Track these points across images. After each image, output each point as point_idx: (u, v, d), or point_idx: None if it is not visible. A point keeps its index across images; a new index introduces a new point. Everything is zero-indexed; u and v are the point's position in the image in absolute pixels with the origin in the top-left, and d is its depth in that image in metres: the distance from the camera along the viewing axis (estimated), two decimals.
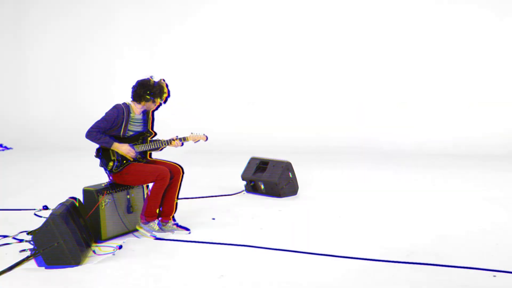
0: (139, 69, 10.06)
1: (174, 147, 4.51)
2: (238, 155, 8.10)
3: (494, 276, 3.49)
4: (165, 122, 9.55)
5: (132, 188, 4.48)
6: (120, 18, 10.62)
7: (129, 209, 4.43)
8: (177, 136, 4.53)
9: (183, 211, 5.12)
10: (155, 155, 4.68)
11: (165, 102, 4.46)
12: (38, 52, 11.08)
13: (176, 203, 4.50)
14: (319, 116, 9.95)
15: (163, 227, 4.42)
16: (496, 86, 9.66)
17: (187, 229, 4.46)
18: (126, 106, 4.32)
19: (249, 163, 6.09)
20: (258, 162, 6.00)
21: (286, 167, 5.78)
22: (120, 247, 4.04)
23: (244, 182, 6.05)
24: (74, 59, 10.94)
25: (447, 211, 5.21)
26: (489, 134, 9.45)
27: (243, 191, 6.01)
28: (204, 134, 4.66)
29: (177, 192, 4.47)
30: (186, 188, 6.09)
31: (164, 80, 4.46)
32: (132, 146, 4.33)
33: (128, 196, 4.44)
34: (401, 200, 5.66)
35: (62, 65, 10.98)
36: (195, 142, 4.67)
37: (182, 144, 4.50)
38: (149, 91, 4.31)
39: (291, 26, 10.16)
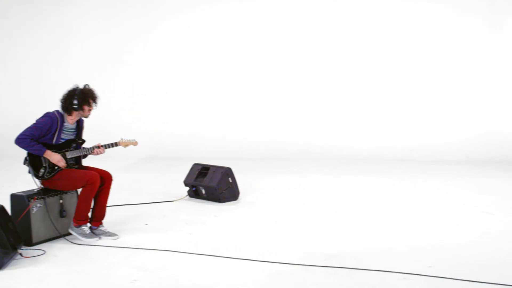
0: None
1: (95, 155, 4.56)
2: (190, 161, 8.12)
3: (404, 278, 3.58)
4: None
5: (66, 193, 4.52)
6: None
7: (62, 213, 4.48)
8: (107, 145, 4.57)
9: (120, 217, 5.16)
10: (87, 161, 4.71)
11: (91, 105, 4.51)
12: None
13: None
14: (278, 121, 9.98)
15: (93, 231, 4.47)
16: (457, 93, 9.75)
17: (115, 235, 4.49)
18: (60, 114, 4.38)
19: (191, 169, 6.14)
20: (199, 167, 6.05)
21: (225, 173, 5.83)
22: (44, 252, 4.07)
23: (187, 188, 6.08)
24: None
25: (379, 217, 5.29)
26: (445, 140, 9.57)
27: (185, 196, 6.03)
28: (134, 140, 4.71)
29: (107, 198, 4.52)
30: (129, 194, 6.18)
31: (87, 85, 4.50)
32: (62, 155, 4.37)
33: (61, 201, 4.48)
34: (341, 205, 5.74)
35: None
36: (125, 147, 4.72)
37: (111, 147, 4.57)
38: (74, 100, 4.36)
39: (253, 36, 10.19)
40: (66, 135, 4.43)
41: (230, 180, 5.85)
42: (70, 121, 4.42)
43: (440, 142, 9.58)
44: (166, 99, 10.25)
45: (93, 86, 4.58)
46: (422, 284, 3.49)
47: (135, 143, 4.70)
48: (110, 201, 5.48)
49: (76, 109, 4.38)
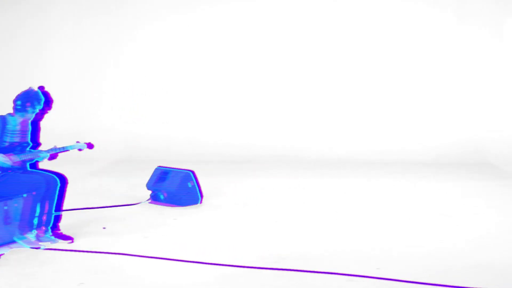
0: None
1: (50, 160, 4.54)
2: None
3: (349, 280, 3.63)
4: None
5: (11, 199, 4.45)
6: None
7: (7, 220, 4.41)
8: (61, 148, 4.56)
9: (79, 220, 5.15)
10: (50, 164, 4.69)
11: (44, 110, 4.49)
12: None
13: (58, 213, 4.50)
14: (250, 124, 10.00)
15: (40, 238, 4.43)
16: (431, 95, 9.85)
17: (70, 238, 4.48)
18: (3, 117, 4.34)
19: (153, 172, 6.14)
20: (161, 171, 6.06)
21: (185, 176, 5.86)
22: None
23: (150, 192, 6.09)
24: None
25: (334, 220, 5.34)
26: (416, 143, 9.67)
27: (147, 200, 6.03)
28: (85, 143, 4.72)
29: (55, 203, 4.44)
30: (93, 198, 6.17)
31: (42, 87, 4.48)
32: (8, 156, 4.32)
33: (5, 207, 4.39)
34: (301, 208, 5.79)
35: None
36: (79, 151, 4.72)
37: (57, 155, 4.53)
38: (17, 101, 4.36)
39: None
40: (11, 138, 4.36)
41: (189, 185, 5.87)
42: (13, 122, 4.37)
43: (412, 145, 9.67)
44: (144, 99, 10.22)
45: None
46: (367, 285, 3.54)
47: (89, 147, 4.70)
48: (71, 204, 5.52)
49: (19, 110, 4.36)
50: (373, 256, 4.12)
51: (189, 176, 5.91)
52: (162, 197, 5.90)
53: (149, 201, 6.01)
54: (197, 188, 5.95)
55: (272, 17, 10.05)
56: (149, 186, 6.04)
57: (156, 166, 6.31)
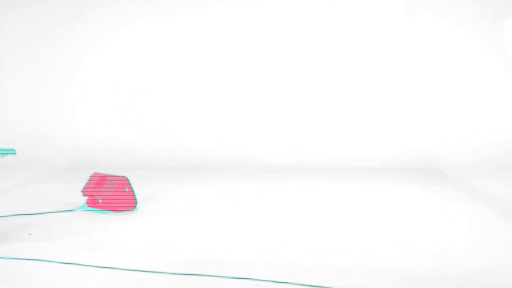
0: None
1: None
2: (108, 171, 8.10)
3: (258, 285, 3.65)
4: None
5: None
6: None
7: None
8: None
9: (6, 227, 5.11)
10: None
11: None
12: None
13: None
14: (198, 129, 10.00)
15: None
16: (383, 99, 9.94)
17: None
18: None
19: (90, 178, 6.11)
20: (97, 177, 6.04)
21: (121, 182, 5.84)
22: None
23: (86, 198, 6.06)
24: None
25: (258, 225, 5.39)
26: (367, 149, 9.76)
27: (83, 206, 6.00)
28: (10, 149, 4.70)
29: None
30: (30, 204, 6.13)
31: None
32: None
33: None
34: (229, 214, 5.82)
35: None
36: (2, 157, 4.69)
37: None
38: None
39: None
40: None
41: (126, 190, 5.86)
42: None
43: (363, 151, 9.75)
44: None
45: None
46: None
47: (12, 153, 4.68)
48: (5, 211, 5.49)
49: None
50: (286, 262, 4.15)
51: (126, 181, 5.90)
52: (99, 202, 5.88)
53: (85, 207, 5.99)
54: (134, 194, 5.95)
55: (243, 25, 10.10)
56: (85, 191, 6.02)
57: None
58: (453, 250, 4.46)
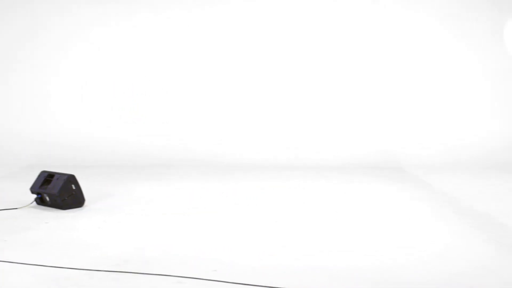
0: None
1: None
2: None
3: (178, 282, 3.68)
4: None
5: None
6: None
7: None
8: None
9: None
10: None
11: None
12: None
13: None
14: (161, 127, 10.03)
15: None
16: (344, 97, 10.04)
17: None
18: None
19: (38, 176, 6.13)
20: (46, 175, 6.06)
21: (68, 180, 5.86)
22: None
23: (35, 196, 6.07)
24: None
25: (195, 222, 5.42)
26: (330, 146, 9.83)
27: (32, 203, 6.01)
28: None
29: None
30: None
31: None
32: None
33: None
34: (177, 212, 5.87)
35: None
36: None
37: None
38: None
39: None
40: None
41: (74, 187, 5.88)
42: None
43: (326, 150, 9.81)
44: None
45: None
46: (195, 287, 3.60)
47: None
48: None
49: None
50: (211, 259, 4.20)
51: (73, 179, 5.92)
52: (47, 200, 5.90)
53: (33, 204, 6.00)
54: (80, 191, 5.97)
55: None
56: (33, 189, 6.03)
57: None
58: (386, 246, 4.54)
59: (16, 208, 5.88)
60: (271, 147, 9.86)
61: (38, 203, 6.02)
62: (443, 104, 10.05)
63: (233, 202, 6.37)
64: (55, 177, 5.95)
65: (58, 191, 5.78)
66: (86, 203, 6.07)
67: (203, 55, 10.10)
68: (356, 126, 10.01)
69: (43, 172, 6.15)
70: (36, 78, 10.17)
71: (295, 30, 10.03)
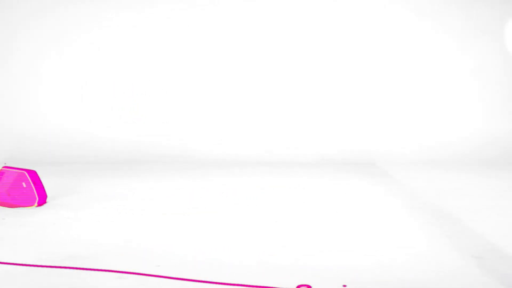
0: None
1: None
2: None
3: (119, 277, 3.72)
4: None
5: None
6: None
7: None
8: None
9: None
10: None
11: None
12: None
13: None
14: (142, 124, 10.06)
15: None
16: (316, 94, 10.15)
17: None
18: None
19: None
20: None
21: (19, 177, 5.83)
22: None
23: None
24: None
25: (149, 218, 5.45)
26: (301, 142, 9.92)
27: None
28: None
29: None
30: None
31: None
32: None
33: None
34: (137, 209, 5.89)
35: None
36: None
37: None
38: None
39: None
40: None
41: (24, 185, 5.85)
42: None
43: (296, 144, 9.91)
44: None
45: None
46: (136, 283, 3.63)
47: None
48: None
49: None
50: (159, 254, 4.25)
51: (24, 176, 5.88)
52: None
53: None
54: (33, 189, 5.93)
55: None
56: None
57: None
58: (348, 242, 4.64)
59: None
60: (244, 144, 9.94)
61: None
62: (423, 101, 10.21)
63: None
64: (5, 174, 5.89)
65: (8, 188, 5.75)
66: (50, 199, 6.09)
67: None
68: (338, 124, 10.14)
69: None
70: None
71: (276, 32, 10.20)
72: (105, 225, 5.17)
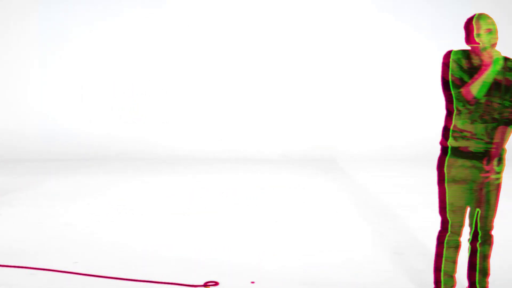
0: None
1: None
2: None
3: (31, 274, 3.73)
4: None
5: None
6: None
7: None
8: None
9: None
10: None
11: None
12: None
13: None
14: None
15: None
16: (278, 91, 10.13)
17: None
18: None
19: None
20: None
21: None
22: None
23: None
24: None
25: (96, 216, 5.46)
26: (263, 139, 9.93)
27: None
28: None
29: None
30: None
31: None
32: None
33: None
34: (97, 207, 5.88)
35: None
36: None
37: None
38: None
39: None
40: None
41: None
42: None
43: (259, 141, 9.91)
44: None
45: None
46: (47, 279, 3.65)
47: None
48: None
49: None
50: (79, 251, 4.27)
51: None
52: None
53: None
54: None
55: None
56: None
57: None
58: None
59: None
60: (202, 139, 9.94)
61: None
62: (385, 100, 10.16)
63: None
64: None
65: None
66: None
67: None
68: (301, 121, 10.11)
69: None
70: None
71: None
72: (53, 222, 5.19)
